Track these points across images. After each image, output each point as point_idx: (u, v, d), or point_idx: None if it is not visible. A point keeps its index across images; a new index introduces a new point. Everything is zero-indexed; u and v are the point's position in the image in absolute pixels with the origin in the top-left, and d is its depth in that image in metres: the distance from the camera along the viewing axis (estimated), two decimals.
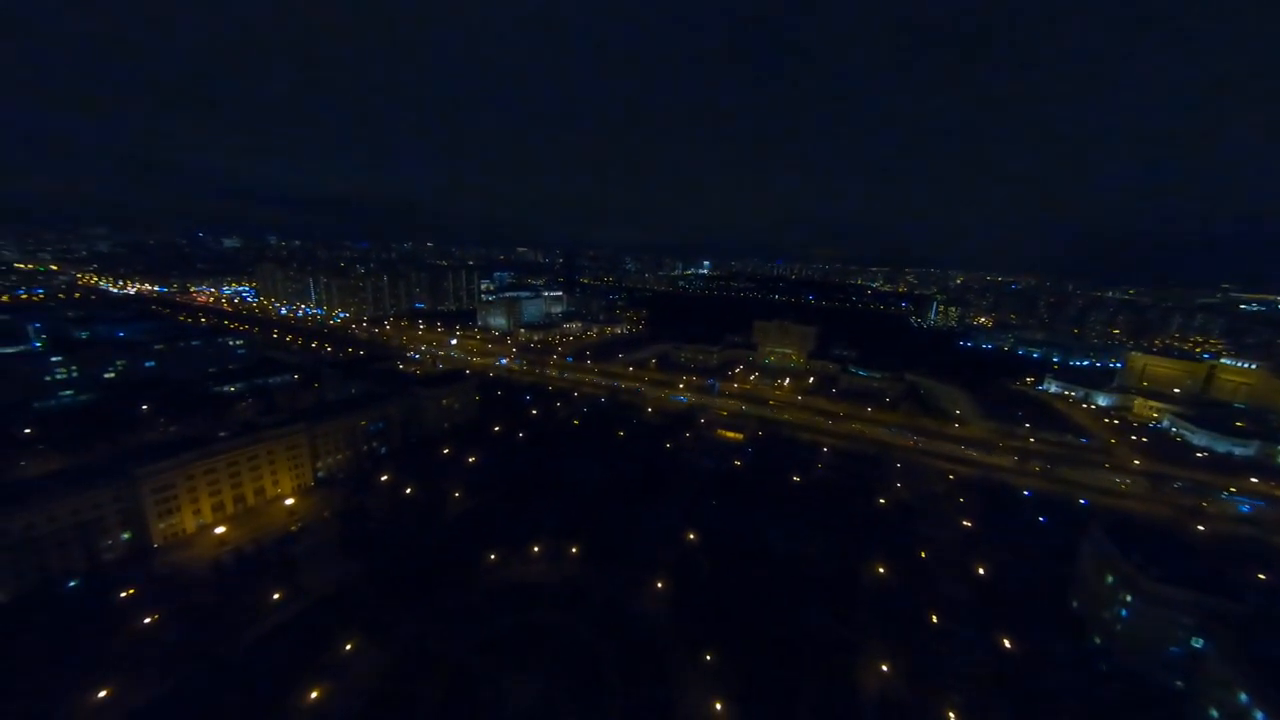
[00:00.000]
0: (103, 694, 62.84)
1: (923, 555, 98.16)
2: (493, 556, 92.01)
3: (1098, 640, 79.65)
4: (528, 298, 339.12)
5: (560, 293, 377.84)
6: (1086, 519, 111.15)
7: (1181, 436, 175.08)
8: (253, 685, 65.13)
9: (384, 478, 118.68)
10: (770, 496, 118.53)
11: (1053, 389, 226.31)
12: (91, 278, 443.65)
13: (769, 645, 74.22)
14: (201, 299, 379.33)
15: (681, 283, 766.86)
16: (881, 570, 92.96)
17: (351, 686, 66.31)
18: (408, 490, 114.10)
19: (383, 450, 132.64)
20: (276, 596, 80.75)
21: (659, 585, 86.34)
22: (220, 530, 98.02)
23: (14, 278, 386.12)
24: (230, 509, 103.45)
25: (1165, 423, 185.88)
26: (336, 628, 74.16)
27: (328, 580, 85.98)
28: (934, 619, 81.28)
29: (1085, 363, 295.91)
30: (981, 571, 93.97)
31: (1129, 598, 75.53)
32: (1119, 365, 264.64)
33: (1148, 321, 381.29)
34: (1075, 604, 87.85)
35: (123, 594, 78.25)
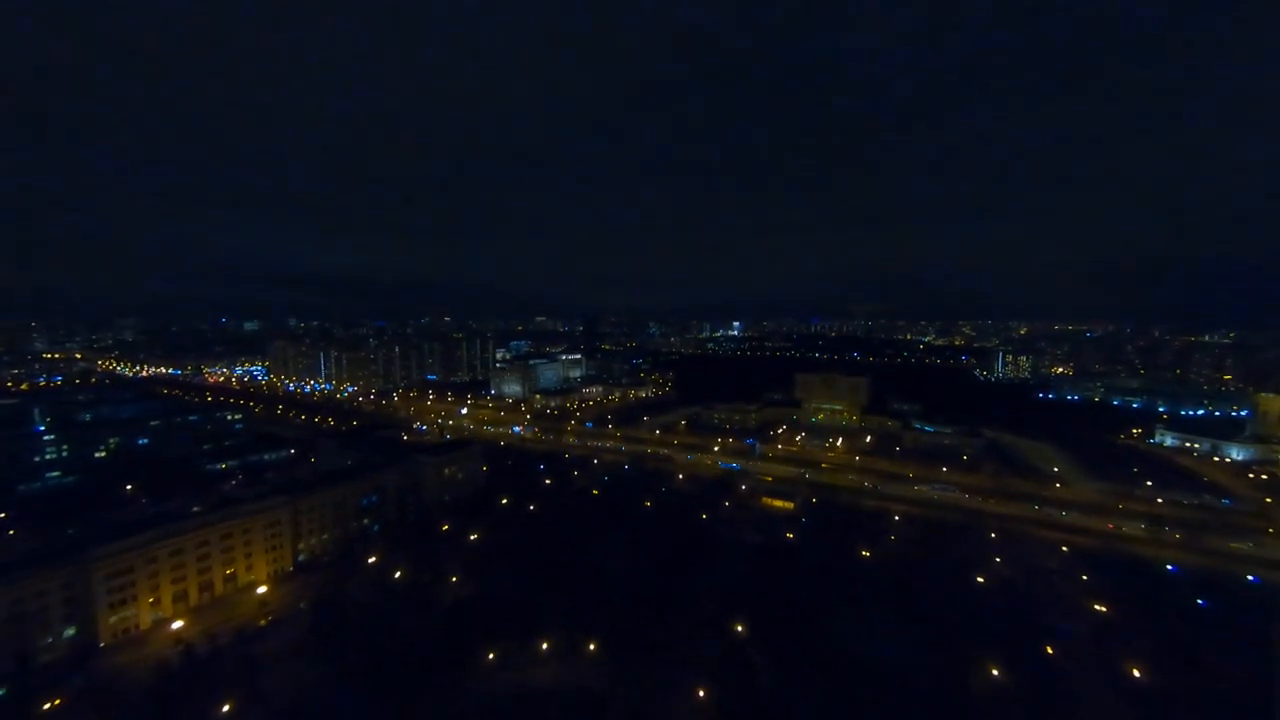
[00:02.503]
0: None
1: (1049, 651, 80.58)
2: (491, 656, 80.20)
3: None
4: (543, 363, 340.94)
5: (579, 356, 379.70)
6: (1266, 602, 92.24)
7: None
8: None
9: (373, 559, 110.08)
10: (835, 576, 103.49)
11: (1168, 441, 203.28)
12: (111, 363, 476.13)
13: None
14: (213, 379, 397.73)
15: (710, 345, 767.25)
16: (996, 672, 75.93)
17: None
18: (398, 574, 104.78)
19: (375, 528, 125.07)
20: (226, 709, 70.77)
21: (700, 693, 72.19)
22: (178, 625, 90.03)
23: (36, 366, 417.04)
24: (195, 599, 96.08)
25: None
26: None
27: (292, 686, 75.80)
28: None
29: (1199, 411, 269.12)
30: (1138, 674, 75.58)
31: None
32: (1245, 413, 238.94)
33: (1268, 363, 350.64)
34: None
35: (46, 705, 69.85)
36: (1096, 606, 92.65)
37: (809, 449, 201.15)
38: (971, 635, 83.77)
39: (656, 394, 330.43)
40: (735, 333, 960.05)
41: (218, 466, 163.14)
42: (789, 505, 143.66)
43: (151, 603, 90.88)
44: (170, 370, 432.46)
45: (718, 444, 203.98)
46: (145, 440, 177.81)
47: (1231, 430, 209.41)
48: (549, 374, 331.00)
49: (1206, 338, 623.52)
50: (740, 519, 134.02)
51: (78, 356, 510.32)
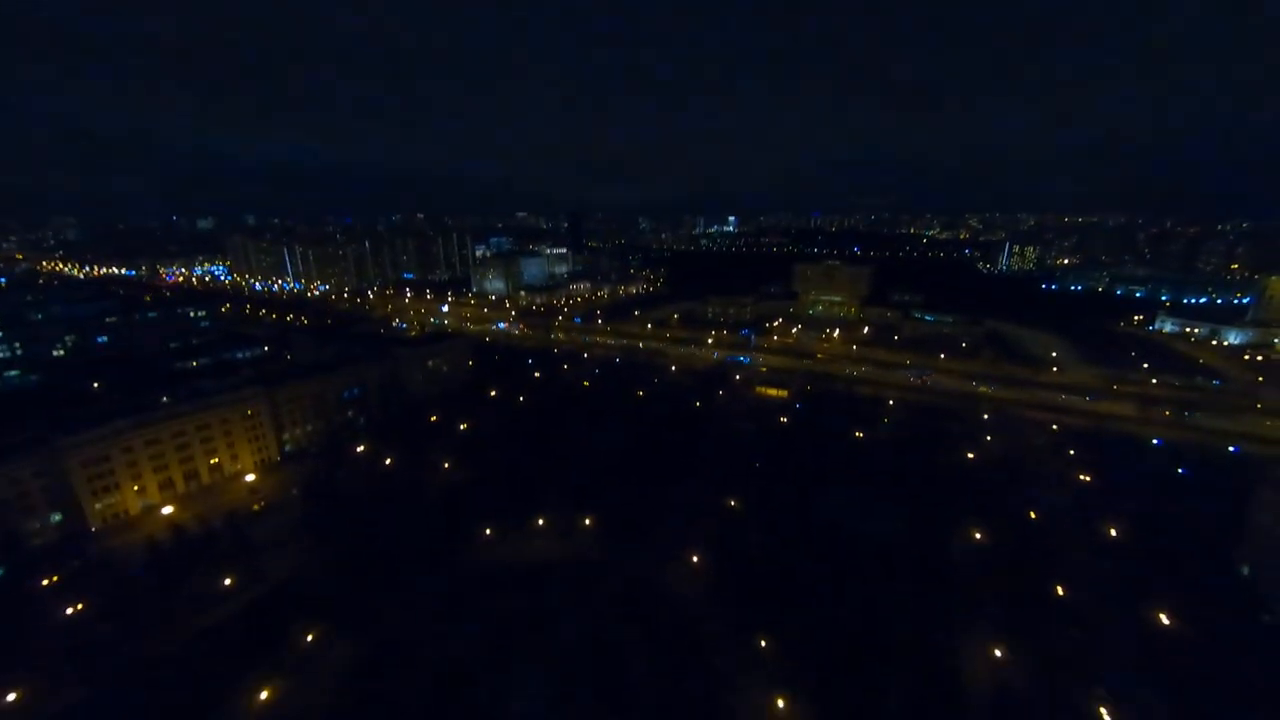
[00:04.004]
0: (11, 697, 56.51)
1: (1033, 516, 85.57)
2: (488, 532, 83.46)
3: None
4: (528, 258, 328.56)
5: (565, 250, 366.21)
6: (1242, 469, 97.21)
7: None
8: (191, 683, 57.98)
9: (360, 449, 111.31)
10: (829, 457, 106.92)
11: (1168, 328, 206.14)
12: (56, 264, 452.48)
13: (840, 629, 63.62)
14: (171, 280, 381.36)
15: (704, 241, 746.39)
16: (979, 536, 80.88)
17: (312, 684, 58.68)
18: (388, 461, 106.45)
19: (361, 420, 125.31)
20: (228, 583, 73.85)
21: (694, 560, 76.38)
22: (169, 511, 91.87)
23: None
24: (181, 487, 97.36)
25: None
26: (298, 617, 66.70)
27: (291, 564, 78.98)
28: (1060, 591, 69.23)
29: (1202, 299, 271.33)
30: (1114, 533, 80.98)
31: None
32: (1248, 300, 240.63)
33: (1278, 250, 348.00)
34: (1246, 570, 74.37)
35: (44, 582, 72.23)
36: (1081, 477, 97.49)
37: (805, 340, 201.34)
38: (958, 505, 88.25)
39: (648, 290, 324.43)
40: (730, 228, 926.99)
41: (187, 364, 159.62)
42: (783, 393, 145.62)
43: (137, 490, 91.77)
44: (123, 270, 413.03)
45: (711, 337, 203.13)
46: (105, 339, 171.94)
47: (1233, 316, 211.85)
48: (534, 269, 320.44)
49: (1220, 227, 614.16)
50: (734, 407, 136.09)
51: (18, 256, 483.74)
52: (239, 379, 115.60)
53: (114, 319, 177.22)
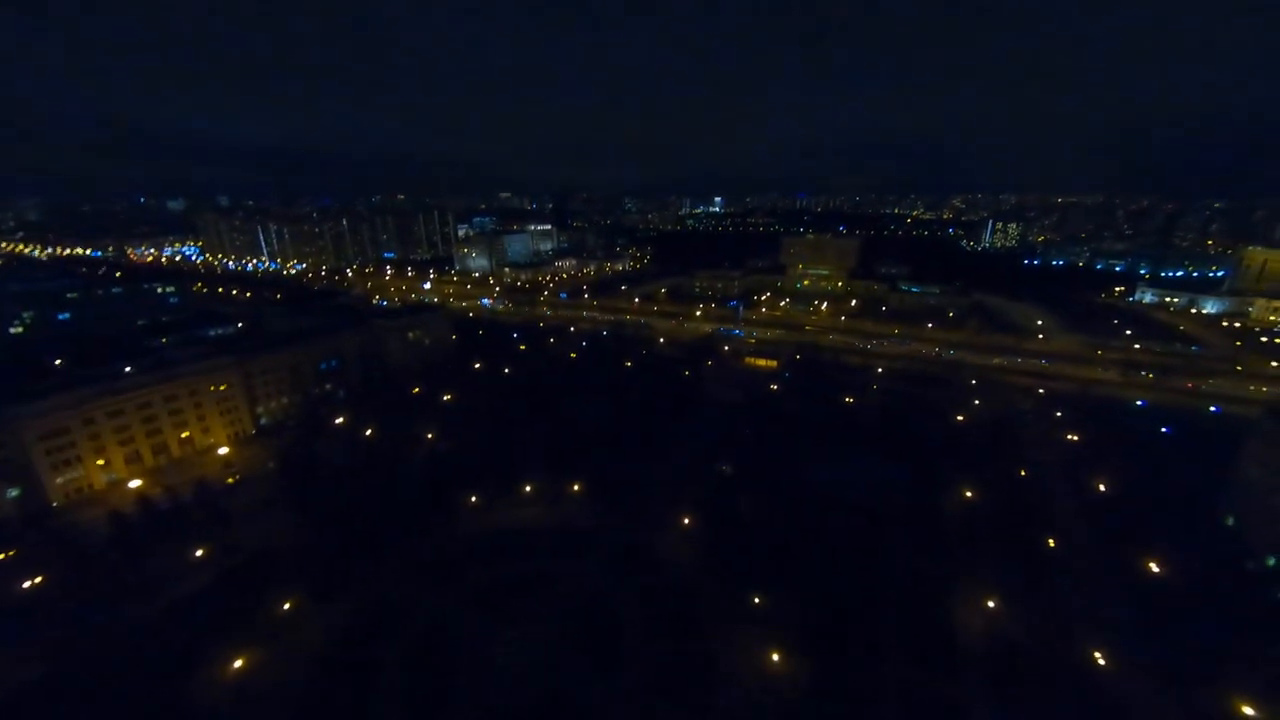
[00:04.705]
0: None
1: (1023, 474, 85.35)
2: (474, 499, 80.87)
3: (1271, 562, 67.01)
4: (512, 235, 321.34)
5: (550, 227, 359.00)
6: (1224, 427, 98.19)
7: None
8: (160, 653, 55.01)
9: (340, 421, 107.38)
10: (818, 423, 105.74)
11: (1148, 298, 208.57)
12: (16, 246, 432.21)
13: (834, 585, 62.51)
14: (140, 260, 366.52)
15: (690, 221, 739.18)
16: (970, 494, 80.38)
17: (290, 652, 56.05)
18: (369, 433, 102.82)
19: (340, 393, 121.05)
20: (200, 554, 70.49)
21: (685, 523, 74.71)
22: (136, 484, 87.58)
23: None
24: (149, 460, 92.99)
25: None
26: (274, 585, 63.77)
27: (268, 535, 75.71)
28: (1051, 543, 68.97)
29: (1179, 273, 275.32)
30: (1102, 488, 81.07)
31: None
32: (1224, 273, 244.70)
33: (1251, 225, 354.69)
34: (1231, 521, 74.97)
35: (0, 556, 68.17)
36: (1069, 437, 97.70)
37: (793, 312, 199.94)
38: (948, 465, 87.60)
39: (635, 267, 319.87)
40: (717, 209, 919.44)
41: (157, 341, 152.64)
42: (772, 364, 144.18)
43: (101, 464, 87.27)
44: (89, 251, 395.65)
45: (699, 310, 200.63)
46: (66, 315, 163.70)
47: (1209, 287, 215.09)
48: (518, 246, 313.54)
49: (1196, 205, 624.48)
50: (722, 377, 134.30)
51: None
52: (206, 349, 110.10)
53: (76, 295, 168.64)
